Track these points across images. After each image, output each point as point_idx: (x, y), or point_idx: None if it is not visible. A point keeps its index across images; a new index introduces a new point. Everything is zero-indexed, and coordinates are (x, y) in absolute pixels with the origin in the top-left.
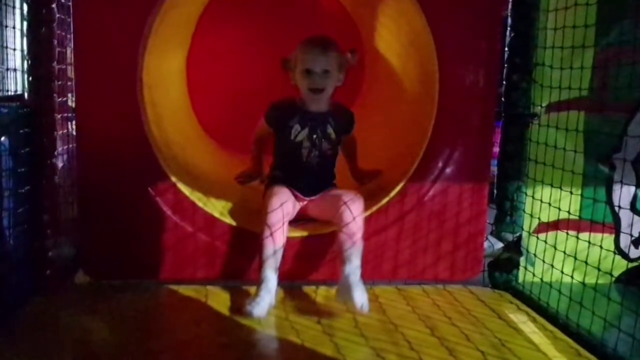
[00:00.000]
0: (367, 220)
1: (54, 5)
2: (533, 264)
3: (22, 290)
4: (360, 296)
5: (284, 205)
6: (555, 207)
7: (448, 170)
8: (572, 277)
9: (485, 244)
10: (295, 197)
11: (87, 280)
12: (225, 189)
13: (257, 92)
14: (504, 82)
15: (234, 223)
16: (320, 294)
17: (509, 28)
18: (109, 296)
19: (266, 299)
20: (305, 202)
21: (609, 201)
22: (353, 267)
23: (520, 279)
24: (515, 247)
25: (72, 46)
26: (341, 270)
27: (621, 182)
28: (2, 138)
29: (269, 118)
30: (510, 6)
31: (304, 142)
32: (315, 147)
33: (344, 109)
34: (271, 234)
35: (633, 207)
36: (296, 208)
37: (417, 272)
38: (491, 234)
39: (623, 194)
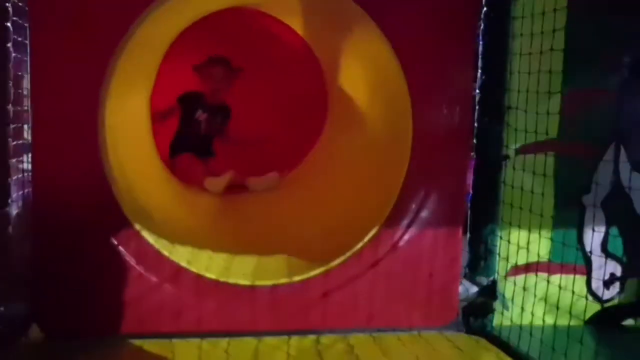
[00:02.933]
0: (341, 268)
1: (9, 45)
2: (508, 308)
3: None
4: None
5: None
6: (526, 249)
7: (422, 214)
8: (543, 320)
9: (460, 289)
10: None
11: (42, 337)
12: (192, 235)
13: None
14: (476, 124)
15: (201, 272)
16: (293, 344)
17: (479, 70)
18: (66, 356)
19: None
20: None
21: (580, 243)
22: None
23: (496, 323)
24: (489, 291)
25: (29, 88)
26: None
27: (593, 224)
28: None
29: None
30: (481, 48)
31: (203, 121)
32: (210, 124)
33: None
34: None
35: (604, 248)
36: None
37: (392, 319)
38: (465, 277)
39: (593, 236)
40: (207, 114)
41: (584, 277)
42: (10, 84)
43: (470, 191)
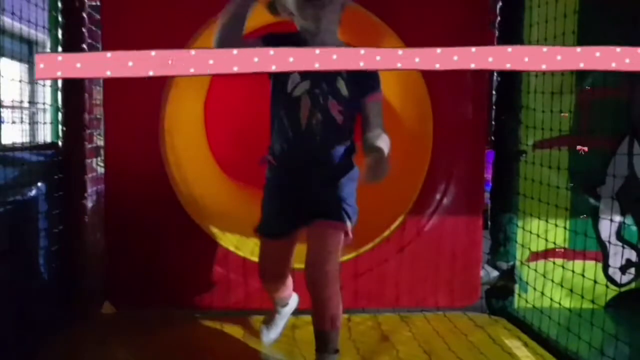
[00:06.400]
0: (371, 252)
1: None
2: (526, 291)
3: (54, 321)
4: None
5: (275, 264)
6: (544, 238)
7: (445, 202)
8: (559, 303)
9: (482, 273)
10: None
11: (113, 310)
12: (239, 224)
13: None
14: (494, 122)
15: (247, 256)
16: None
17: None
18: (133, 326)
19: (273, 332)
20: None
21: (596, 231)
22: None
23: (515, 305)
24: (509, 275)
25: (102, 99)
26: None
27: (611, 215)
28: (39, 183)
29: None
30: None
31: (303, 99)
32: (318, 106)
33: None
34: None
35: (619, 236)
36: (294, 245)
37: (419, 299)
38: (487, 262)
39: (609, 224)
40: (310, 81)
41: (600, 264)
42: (86, 96)
43: (490, 183)
